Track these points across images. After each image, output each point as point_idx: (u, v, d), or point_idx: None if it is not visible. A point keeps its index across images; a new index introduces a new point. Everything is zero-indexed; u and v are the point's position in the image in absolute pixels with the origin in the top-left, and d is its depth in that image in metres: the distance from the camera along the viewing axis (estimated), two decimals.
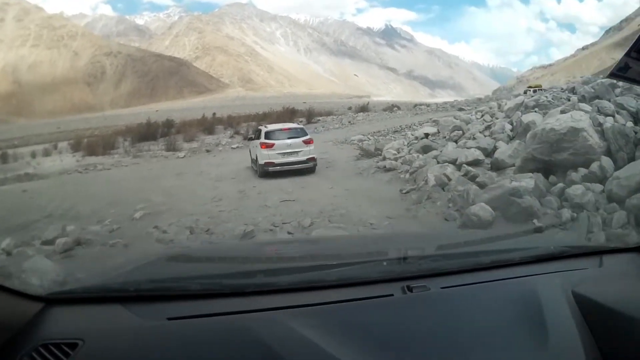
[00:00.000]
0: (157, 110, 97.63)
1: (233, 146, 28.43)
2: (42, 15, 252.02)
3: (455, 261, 2.01)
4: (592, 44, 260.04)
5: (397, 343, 1.40)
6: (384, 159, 14.60)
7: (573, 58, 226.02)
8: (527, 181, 7.90)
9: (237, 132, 35.61)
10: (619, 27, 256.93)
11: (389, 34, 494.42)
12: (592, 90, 11.49)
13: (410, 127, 27.46)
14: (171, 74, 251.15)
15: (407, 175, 11.85)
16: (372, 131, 27.77)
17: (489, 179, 9.30)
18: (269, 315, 1.51)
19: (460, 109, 36.34)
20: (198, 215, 9.53)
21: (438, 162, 11.39)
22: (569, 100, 11.83)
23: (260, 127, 16.90)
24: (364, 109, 49.13)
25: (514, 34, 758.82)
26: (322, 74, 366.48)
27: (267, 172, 14.33)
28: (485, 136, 12.45)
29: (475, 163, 10.78)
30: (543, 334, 1.42)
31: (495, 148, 11.24)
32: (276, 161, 14.34)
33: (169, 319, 1.49)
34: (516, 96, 39.36)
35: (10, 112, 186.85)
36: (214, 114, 52.38)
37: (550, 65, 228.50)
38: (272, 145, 14.54)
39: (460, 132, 14.17)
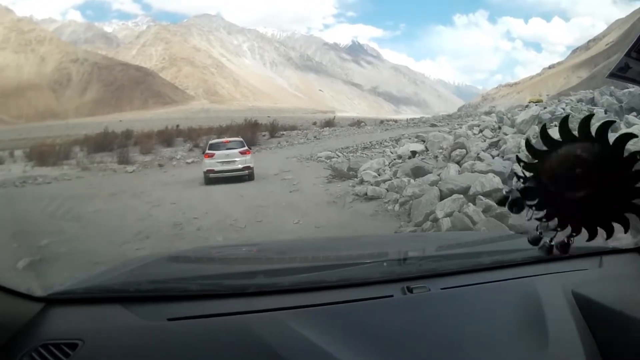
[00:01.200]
0: (120, 121, 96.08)
1: (188, 160, 26.25)
2: (12, 18, 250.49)
3: (456, 262, 2.01)
4: (559, 63, 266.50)
5: (397, 344, 1.41)
6: (362, 182, 12.39)
7: (539, 77, 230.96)
8: None
9: (196, 145, 33.51)
10: (586, 46, 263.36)
11: (356, 50, 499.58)
12: (617, 102, 10.01)
13: (381, 143, 25.74)
14: (137, 84, 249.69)
15: (397, 207, 9.39)
16: (339, 147, 25.82)
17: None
18: (269, 315, 1.52)
19: (433, 125, 35.27)
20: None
21: (441, 191, 8.72)
22: (591, 112, 9.50)
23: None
24: (329, 123, 47.58)
25: (480, 52, 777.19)
26: (287, 88, 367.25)
27: (209, 178, 16.01)
28: (493, 156, 10.25)
29: (494, 193, 8.12)
30: (543, 335, 1.43)
31: (513, 172, 8.81)
32: (216, 169, 16.09)
33: (170, 319, 1.50)
34: (488, 113, 38.30)
35: None
36: (178, 125, 50.77)
37: (516, 83, 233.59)
38: (213, 155, 16.43)
39: (464, 150, 11.79)
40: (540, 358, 1.34)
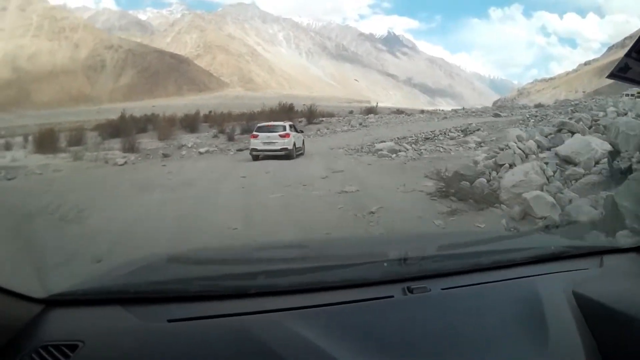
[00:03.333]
0: (153, 106, 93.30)
1: (201, 150, 23.03)
2: (45, 6, 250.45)
3: (456, 262, 2.02)
4: (594, 60, 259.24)
5: (397, 344, 1.43)
6: (524, 215, 7.24)
7: (575, 73, 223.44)
8: None
9: (221, 131, 30.17)
10: (622, 44, 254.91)
11: (391, 41, 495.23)
12: None
13: (445, 133, 22.63)
14: (171, 71, 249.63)
15: None
16: (395, 136, 22.22)
17: None
18: (269, 317, 1.53)
19: (496, 115, 31.44)
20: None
21: None
22: None
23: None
24: (371, 111, 44.39)
25: (515, 46, 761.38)
26: (323, 77, 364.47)
27: (253, 156, 18.82)
28: None
29: None
30: (543, 334, 1.46)
31: None
32: (258, 147, 18.70)
33: (170, 320, 1.50)
34: (538, 106, 34.00)
35: (8, 101, 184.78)
36: (210, 112, 48.05)
37: (551, 78, 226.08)
38: (257, 136, 19.05)
39: None
40: (540, 357, 1.37)
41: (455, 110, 43.86)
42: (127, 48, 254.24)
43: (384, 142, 20.04)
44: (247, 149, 20.86)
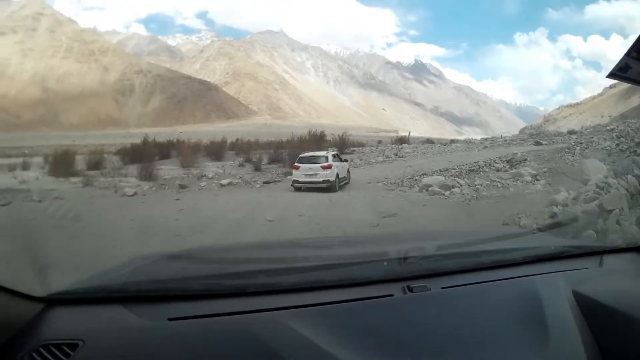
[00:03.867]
0: (180, 132, 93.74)
1: (223, 182, 20.46)
2: (75, 29, 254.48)
3: (456, 261, 2.05)
4: (620, 83, 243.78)
5: (397, 343, 1.44)
6: None
7: (600, 97, 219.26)
8: None
9: (247, 160, 28.28)
10: None
11: (418, 69, 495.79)
12: None
13: (489, 164, 20.85)
14: (200, 97, 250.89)
15: None
16: (436, 168, 20.88)
17: None
18: (270, 315, 1.55)
19: (537, 143, 29.11)
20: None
21: None
22: None
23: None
24: (404, 140, 42.98)
25: (541, 71, 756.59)
26: (350, 106, 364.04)
27: (295, 187, 18.05)
28: None
29: None
30: (544, 334, 1.47)
31: None
32: (300, 180, 18.01)
33: (170, 319, 1.52)
34: (572, 132, 34.47)
35: (36, 120, 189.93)
36: (237, 139, 47.35)
37: (577, 103, 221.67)
38: (298, 167, 18.28)
39: None
40: (540, 356, 1.37)
41: (490, 139, 42.09)
42: (156, 73, 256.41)
43: (429, 175, 18.53)
44: (274, 181, 20.69)
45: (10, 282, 1.49)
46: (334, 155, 19.22)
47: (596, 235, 6.54)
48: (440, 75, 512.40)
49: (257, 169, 25.11)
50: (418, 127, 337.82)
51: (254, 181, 21.04)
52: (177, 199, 15.66)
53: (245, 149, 33.92)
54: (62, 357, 1.32)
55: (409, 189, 16.53)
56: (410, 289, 1.66)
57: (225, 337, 1.42)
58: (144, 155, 27.94)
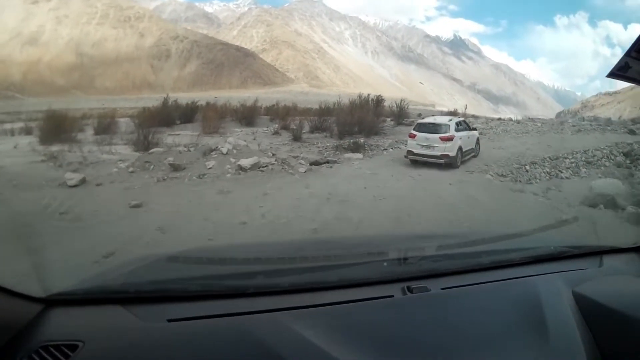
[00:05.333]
0: (215, 97, 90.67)
1: (244, 163, 13.40)
2: None
3: (456, 262, 2.08)
4: None
5: (397, 344, 1.45)
6: None
7: None
8: None
9: (285, 127, 23.15)
10: None
11: (457, 45, 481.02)
12: None
13: (607, 155, 16.33)
14: (236, 64, 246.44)
15: None
16: (542, 155, 16.60)
17: None
18: (269, 316, 1.56)
19: (631, 132, 24.43)
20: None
21: None
22: None
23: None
24: (453, 114, 38.84)
25: (580, 56, 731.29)
26: (388, 78, 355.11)
27: (411, 160, 15.71)
28: None
29: None
30: (543, 334, 1.48)
31: None
32: (415, 151, 15.60)
33: (170, 320, 1.53)
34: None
35: (72, 85, 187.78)
36: (276, 103, 42.93)
37: (616, 92, 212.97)
38: (415, 136, 15.72)
39: None
40: (540, 357, 1.38)
41: (531, 119, 38.93)
42: (192, 39, 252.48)
43: (538, 164, 15.05)
44: (327, 161, 15.78)
45: (10, 283, 1.48)
46: (458, 123, 16.37)
47: None
48: (478, 52, 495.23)
49: (297, 138, 20.03)
50: (455, 102, 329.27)
51: (296, 160, 15.23)
52: (135, 205, 9.32)
53: (282, 115, 28.85)
54: (61, 358, 1.32)
55: (526, 184, 12.39)
56: (410, 290, 1.68)
57: (224, 338, 1.42)
58: (162, 119, 24.17)
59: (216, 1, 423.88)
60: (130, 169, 12.75)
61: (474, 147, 17.05)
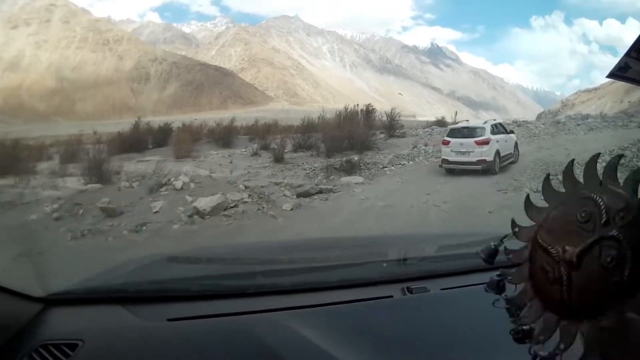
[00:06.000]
0: (195, 119, 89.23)
1: (201, 205, 10.07)
2: (89, 19, 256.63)
3: (455, 262, 2.06)
4: None
5: (397, 344, 1.44)
6: None
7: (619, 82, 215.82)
8: None
9: (265, 147, 21.07)
10: None
11: (434, 53, 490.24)
12: None
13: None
14: (216, 84, 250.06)
15: None
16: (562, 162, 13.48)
17: None
18: (269, 316, 1.55)
19: None
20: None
21: None
22: None
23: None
24: (441, 123, 36.77)
25: (558, 55, 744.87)
26: (367, 90, 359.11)
27: (446, 169, 14.96)
28: None
29: None
30: None
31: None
32: (450, 159, 14.88)
33: (169, 320, 1.52)
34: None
35: (52, 111, 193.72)
36: (256, 121, 41.91)
37: (595, 89, 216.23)
38: (448, 142, 15.03)
39: None
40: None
41: (579, 118, 35.16)
42: (171, 61, 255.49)
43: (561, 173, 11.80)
44: (320, 191, 12.18)
45: (10, 282, 1.49)
46: (494, 126, 15.63)
47: None
48: (456, 59, 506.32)
49: (279, 159, 17.95)
50: (435, 111, 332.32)
51: (279, 189, 12.22)
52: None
53: (261, 133, 26.59)
54: (61, 357, 1.32)
55: None
56: (410, 290, 1.67)
57: (224, 337, 1.42)
58: (133, 144, 24.31)
59: (194, 21, 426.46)
60: (55, 215, 10.15)
61: (512, 151, 16.06)
